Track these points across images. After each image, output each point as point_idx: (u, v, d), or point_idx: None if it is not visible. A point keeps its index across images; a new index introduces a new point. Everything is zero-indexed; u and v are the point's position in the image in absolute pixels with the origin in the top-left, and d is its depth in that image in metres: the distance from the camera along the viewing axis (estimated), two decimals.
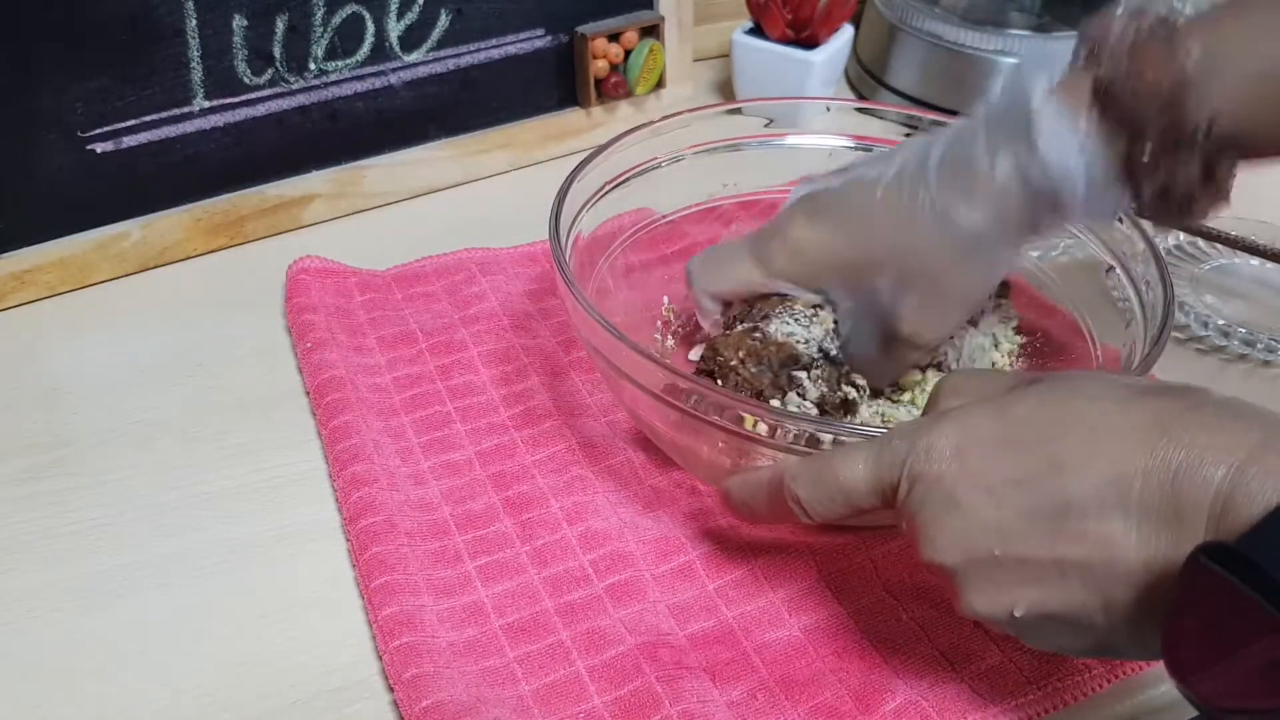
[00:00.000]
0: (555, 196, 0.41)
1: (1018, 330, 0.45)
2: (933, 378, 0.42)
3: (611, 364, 0.36)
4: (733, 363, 0.39)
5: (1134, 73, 0.32)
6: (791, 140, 0.48)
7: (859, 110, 0.51)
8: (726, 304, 0.42)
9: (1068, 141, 0.33)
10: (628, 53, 0.60)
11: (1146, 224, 0.40)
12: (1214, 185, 0.33)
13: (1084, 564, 0.26)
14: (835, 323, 0.40)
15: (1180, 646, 0.24)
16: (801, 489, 0.32)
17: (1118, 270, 0.41)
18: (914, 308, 0.38)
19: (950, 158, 0.36)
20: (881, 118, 0.50)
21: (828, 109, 0.50)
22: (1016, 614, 0.28)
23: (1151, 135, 0.33)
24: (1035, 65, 0.35)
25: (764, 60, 0.63)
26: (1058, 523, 0.26)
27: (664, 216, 0.48)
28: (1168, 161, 0.33)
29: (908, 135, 0.48)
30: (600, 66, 0.59)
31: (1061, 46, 0.61)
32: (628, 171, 0.45)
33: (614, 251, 0.46)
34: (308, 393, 0.45)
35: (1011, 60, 0.62)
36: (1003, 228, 0.36)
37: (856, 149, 0.48)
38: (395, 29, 0.54)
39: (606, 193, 0.44)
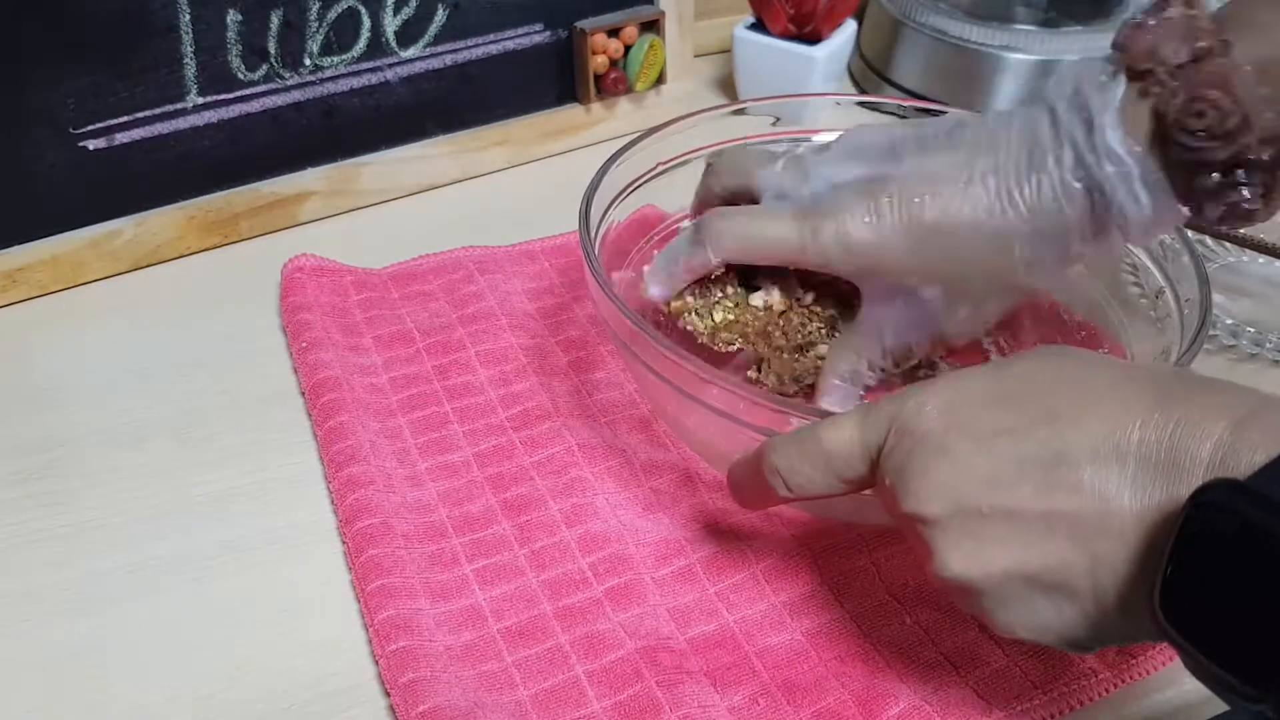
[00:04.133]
0: (584, 193, 0.40)
1: None
2: None
3: (648, 366, 0.36)
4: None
5: (1193, 112, 0.32)
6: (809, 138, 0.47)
7: (860, 104, 0.51)
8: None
9: (1133, 176, 0.33)
10: (627, 48, 0.59)
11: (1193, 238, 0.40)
12: (1272, 196, 0.33)
13: (1074, 516, 0.26)
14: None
15: (1176, 594, 0.23)
16: (780, 458, 0.31)
17: (1167, 292, 0.40)
18: (959, 317, 0.38)
19: (1024, 189, 0.35)
20: (889, 112, 0.49)
21: (837, 103, 0.50)
22: (994, 574, 0.27)
23: (1214, 168, 0.32)
24: (1086, 77, 0.34)
25: (766, 56, 0.63)
26: (1051, 473, 0.26)
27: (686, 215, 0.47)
28: (1230, 189, 0.33)
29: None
30: (600, 62, 0.58)
31: (1068, 42, 0.61)
32: (652, 169, 0.44)
33: (644, 247, 0.45)
34: (303, 393, 0.44)
35: (1017, 56, 0.61)
36: (1078, 245, 0.35)
37: None
38: (391, 24, 0.54)
39: (637, 188, 0.44)
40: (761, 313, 0.40)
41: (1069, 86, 0.35)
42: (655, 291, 0.40)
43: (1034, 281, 0.37)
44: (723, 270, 0.40)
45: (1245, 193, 0.33)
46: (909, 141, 0.38)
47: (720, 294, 0.40)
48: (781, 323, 0.40)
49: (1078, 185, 0.34)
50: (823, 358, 0.40)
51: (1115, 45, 0.34)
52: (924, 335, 0.39)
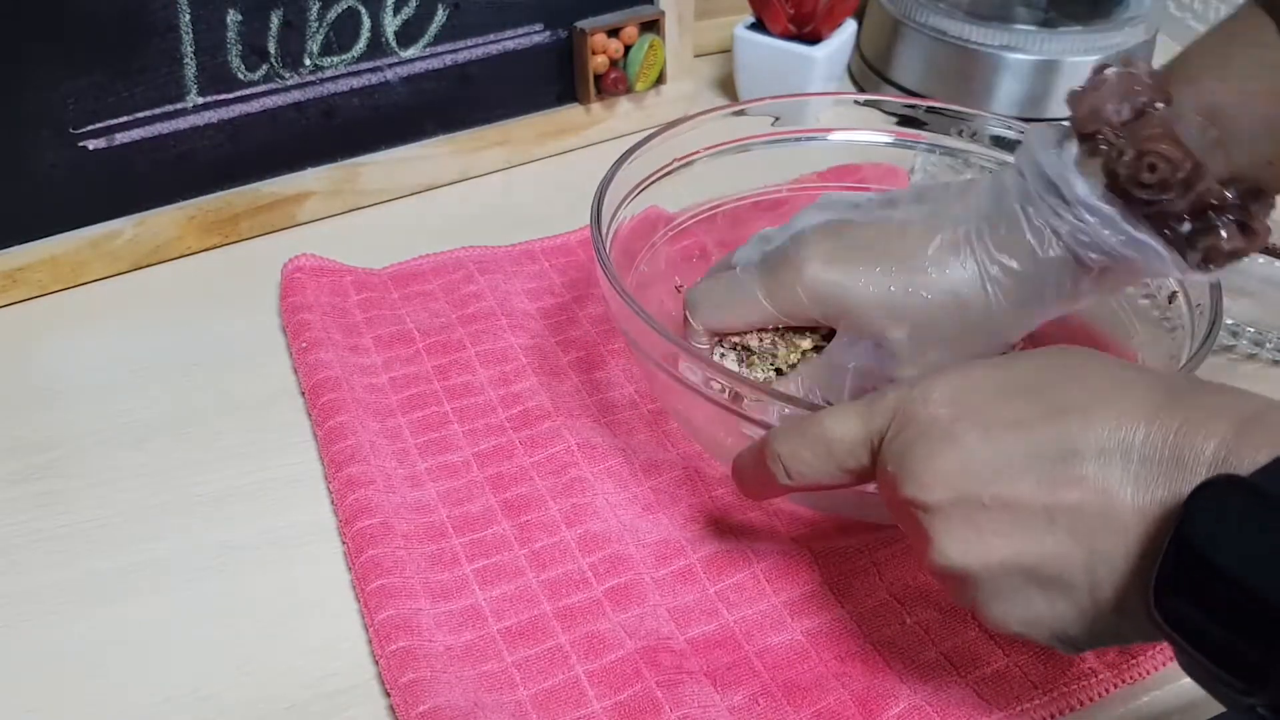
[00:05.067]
0: (596, 190, 0.40)
1: None
2: None
3: (657, 361, 0.36)
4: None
5: (1143, 166, 0.32)
6: (829, 137, 0.47)
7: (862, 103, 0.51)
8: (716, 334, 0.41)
9: (1115, 223, 0.33)
10: (627, 48, 0.59)
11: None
12: (1252, 232, 0.33)
13: (1076, 510, 0.26)
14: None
15: (1171, 589, 0.23)
16: (783, 444, 0.31)
17: (1180, 296, 0.40)
18: (923, 359, 0.37)
19: (995, 232, 0.35)
20: (890, 111, 0.49)
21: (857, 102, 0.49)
22: (992, 564, 0.27)
23: (1180, 217, 0.33)
24: (1038, 141, 0.35)
25: (766, 56, 0.63)
26: (1055, 466, 0.26)
27: (708, 209, 0.47)
28: (1203, 232, 0.33)
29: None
30: (600, 62, 0.58)
31: (1068, 42, 0.61)
32: (660, 169, 0.44)
33: (657, 242, 0.45)
34: (303, 393, 0.44)
35: (1017, 56, 0.61)
36: (1045, 292, 0.35)
37: (894, 144, 0.47)
38: (391, 24, 0.53)
39: (646, 187, 0.44)
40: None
41: (1025, 154, 0.35)
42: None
43: (1013, 327, 0.36)
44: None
45: (1222, 234, 0.33)
46: (874, 199, 0.38)
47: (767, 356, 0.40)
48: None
49: (1054, 236, 0.34)
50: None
51: (1070, 104, 0.34)
52: (883, 379, 0.37)
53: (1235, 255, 0.33)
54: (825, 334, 0.40)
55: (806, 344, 0.40)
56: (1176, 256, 0.33)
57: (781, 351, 0.40)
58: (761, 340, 0.40)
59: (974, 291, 0.35)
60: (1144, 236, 0.33)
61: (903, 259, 0.36)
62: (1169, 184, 0.32)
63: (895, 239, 0.36)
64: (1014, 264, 0.35)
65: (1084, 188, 0.33)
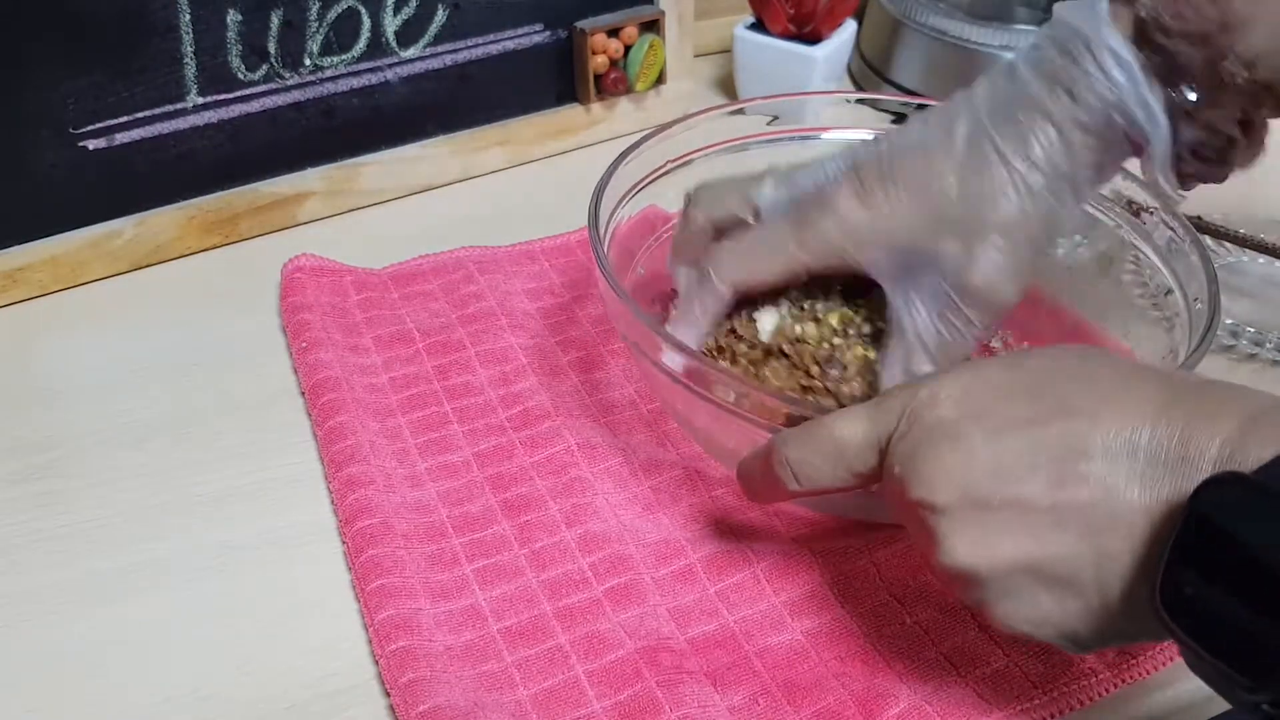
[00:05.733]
0: (594, 191, 0.40)
1: None
2: None
3: (656, 361, 0.36)
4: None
5: (1176, 14, 0.31)
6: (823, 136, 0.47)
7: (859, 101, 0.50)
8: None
9: (1131, 70, 0.32)
10: (627, 48, 0.59)
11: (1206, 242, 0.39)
12: (1252, 134, 0.32)
13: (1083, 509, 0.26)
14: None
15: (1177, 588, 0.24)
16: (792, 450, 0.31)
17: (1176, 292, 0.40)
18: (989, 262, 0.34)
19: (1004, 103, 0.34)
20: (889, 110, 0.49)
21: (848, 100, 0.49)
22: (999, 564, 0.27)
23: (1194, 80, 0.31)
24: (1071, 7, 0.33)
25: (766, 56, 0.63)
26: (1062, 466, 0.26)
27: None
28: (1208, 108, 0.32)
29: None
30: (600, 62, 0.58)
31: None
32: (659, 168, 0.44)
33: (655, 242, 0.45)
34: (303, 393, 0.44)
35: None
36: (1069, 168, 0.34)
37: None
38: (391, 24, 0.54)
39: (643, 187, 0.44)
40: (768, 342, 0.38)
41: (1048, 27, 0.34)
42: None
43: (1052, 216, 0.34)
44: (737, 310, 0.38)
45: (1219, 119, 0.32)
46: (889, 131, 0.37)
47: (737, 335, 0.39)
48: (794, 348, 0.38)
49: (1096, 106, 0.32)
50: (863, 358, 0.38)
51: None
52: (954, 304, 0.35)
53: (1226, 156, 0.33)
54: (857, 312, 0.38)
55: (834, 319, 0.38)
56: (1168, 133, 0.32)
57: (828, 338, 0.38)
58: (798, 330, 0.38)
59: (1002, 183, 0.34)
60: (1152, 97, 0.32)
61: (929, 177, 0.34)
62: (1191, 34, 0.31)
63: (923, 161, 0.35)
64: (1035, 149, 0.33)
65: (1112, 35, 0.32)
